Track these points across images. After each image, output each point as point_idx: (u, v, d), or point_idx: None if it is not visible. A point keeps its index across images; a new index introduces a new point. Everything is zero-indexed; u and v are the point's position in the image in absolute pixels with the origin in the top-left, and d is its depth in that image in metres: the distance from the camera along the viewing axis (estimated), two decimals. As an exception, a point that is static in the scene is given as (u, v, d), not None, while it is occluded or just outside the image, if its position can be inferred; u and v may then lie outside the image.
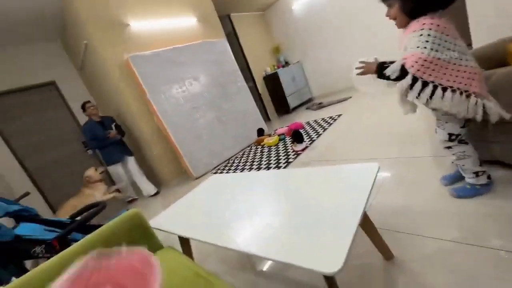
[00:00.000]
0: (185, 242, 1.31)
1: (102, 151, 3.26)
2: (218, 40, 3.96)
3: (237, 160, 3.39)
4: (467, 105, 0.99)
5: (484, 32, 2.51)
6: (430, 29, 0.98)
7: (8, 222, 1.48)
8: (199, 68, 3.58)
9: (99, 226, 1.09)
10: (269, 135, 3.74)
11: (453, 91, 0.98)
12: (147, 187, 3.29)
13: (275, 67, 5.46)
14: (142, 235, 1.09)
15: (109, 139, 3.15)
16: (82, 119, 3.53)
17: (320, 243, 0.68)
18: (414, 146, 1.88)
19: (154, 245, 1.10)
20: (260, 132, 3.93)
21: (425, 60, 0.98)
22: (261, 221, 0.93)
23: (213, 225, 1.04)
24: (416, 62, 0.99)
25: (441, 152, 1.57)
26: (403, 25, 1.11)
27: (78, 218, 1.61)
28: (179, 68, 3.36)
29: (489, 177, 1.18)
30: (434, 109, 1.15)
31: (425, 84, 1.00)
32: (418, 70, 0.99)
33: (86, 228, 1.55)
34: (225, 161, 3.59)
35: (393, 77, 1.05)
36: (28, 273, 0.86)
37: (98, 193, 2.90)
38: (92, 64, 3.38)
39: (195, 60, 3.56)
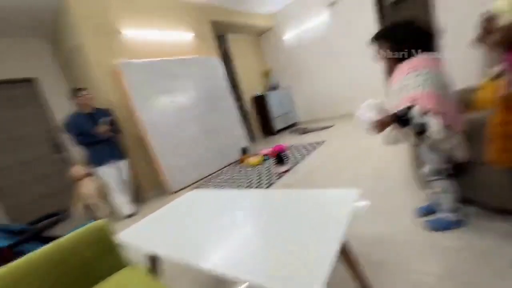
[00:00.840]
0: (154, 260, 1.21)
1: (89, 151, 2.69)
2: (211, 57, 4.05)
3: (218, 177, 3.32)
4: (457, 140, 1.04)
5: (454, 78, 2.77)
6: (425, 68, 1.04)
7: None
8: (189, 82, 3.60)
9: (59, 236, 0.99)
10: (253, 155, 3.74)
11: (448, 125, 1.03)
12: (123, 206, 2.75)
13: (264, 90, 5.62)
14: (106, 250, 1.00)
15: (98, 136, 2.60)
16: (63, 118, 3.30)
17: (297, 268, 0.66)
18: (391, 178, 1.95)
19: (118, 262, 1.01)
20: (244, 151, 3.92)
21: (432, 96, 1.01)
22: (237, 241, 0.89)
23: (185, 243, 0.98)
24: (428, 100, 1.00)
25: (416, 185, 1.63)
26: (391, 65, 1.18)
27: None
28: (169, 80, 3.36)
29: (461, 215, 1.24)
30: (419, 145, 1.21)
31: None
32: (434, 107, 0.99)
33: (45, 237, 1.41)
34: (205, 177, 3.51)
35: (419, 122, 1.01)
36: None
37: (85, 190, 2.62)
38: (79, 65, 3.29)
39: (187, 74, 3.58)
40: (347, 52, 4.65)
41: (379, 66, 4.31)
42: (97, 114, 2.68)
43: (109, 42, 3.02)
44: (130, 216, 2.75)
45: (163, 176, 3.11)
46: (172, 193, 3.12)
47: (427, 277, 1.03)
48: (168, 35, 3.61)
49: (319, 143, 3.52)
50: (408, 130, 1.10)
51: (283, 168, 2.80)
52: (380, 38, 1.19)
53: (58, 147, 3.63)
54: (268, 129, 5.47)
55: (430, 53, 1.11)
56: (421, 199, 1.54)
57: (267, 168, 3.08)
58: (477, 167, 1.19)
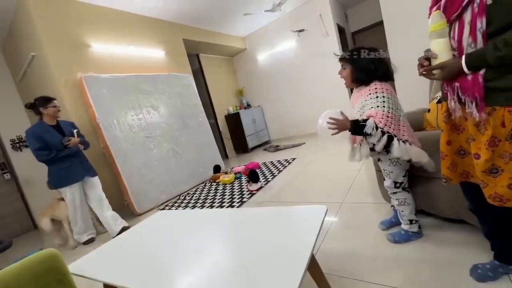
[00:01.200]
0: (111, 291, 1.09)
1: (54, 167, 2.30)
2: (183, 74, 4.04)
3: (189, 196, 3.19)
4: (413, 152, 1.16)
5: (408, 102, 3.08)
6: (383, 92, 1.18)
7: None
8: (160, 98, 3.52)
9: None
10: (226, 173, 3.69)
11: (404, 141, 1.15)
12: (112, 222, 2.41)
13: (238, 108, 5.70)
14: (56, 282, 0.88)
15: (67, 149, 2.28)
16: (8, 132, 2.98)
17: (267, 285, 0.65)
18: (358, 193, 2.05)
19: (70, 296, 0.89)
20: (217, 168, 3.85)
21: (388, 116, 1.14)
22: (205, 263, 0.85)
23: (148, 270, 0.91)
24: (382, 118, 1.13)
25: (381, 199, 1.73)
26: (349, 85, 1.31)
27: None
28: (139, 96, 3.25)
29: (419, 226, 1.33)
30: (380, 160, 1.31)
31: (390, 137, 1.13)
32: (385, 125, 1.13)
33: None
34: (175, 196, 3.34)
35: (369, 132, 1.12)
36: None
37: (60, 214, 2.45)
38: (36, 78, 3.06)
39: (158, 90, 3.51)
40: (313, 75, 4.98)
41: (344, 89, 4.67)
42: (64, 126, 2.39)
43: (74, 55, 2.88)
44: (123, 230, 2.33)
45: (128, 197, 2.90)
46: (138, 215, 2.91)
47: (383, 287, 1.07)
48: (139, 51, 3.55)
49: (290, 161, 3.60)
50: (365, 147, 1.22)
51: (255, 186, 2.79)
52: (346, 60, 1.30)
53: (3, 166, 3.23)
54: (241, 146, 5.49)
55: (388, 80, 1.26)
56: (386, 212, 1.64)
57: (239, 186, 3.05)
58: (433, 180, 1.31)
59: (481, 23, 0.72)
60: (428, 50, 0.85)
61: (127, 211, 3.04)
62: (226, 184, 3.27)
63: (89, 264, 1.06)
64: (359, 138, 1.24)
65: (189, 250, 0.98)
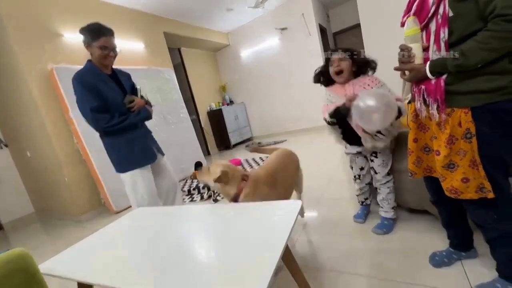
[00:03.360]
0: (86, 290, 1.07)
1: (121, 139, 1.56)
2: (164, 69, 3.93)
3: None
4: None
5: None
6: (382, 82, 1.30)
7: None
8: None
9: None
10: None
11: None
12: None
13: (220, 104, 5.66)
14: (25, 282, 0.85)
15: (132, 114, 1.57)
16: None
17: (242, 277, 0.67)
18: (336, 188, 2.14)
19: (40, 296, 0.87)
20: (198, 165, 3.81)
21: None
22: (183, 259, 0.86)
23: (126, 267, 0.90)
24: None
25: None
26: (347, 78, 1.35)
27: None
28: (115, 90, 3.12)
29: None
30: (375, 156, 1.39)
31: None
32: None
33: None
34: (155, 193, 3.27)
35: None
36: None
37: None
38: (0, 67, 2.84)
39: (138, 84, 3.38)
40: (295, 73, 5.06)
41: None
42: (122, 78, 1.66)
43: (44, 44, 2.70)
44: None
45: (104, 194, 2.80)
46: (115, 213, 2.82)
47: (359, 277, 1.14)
48: (117, 43, 3.39)
49: (272, 157, 3.65)
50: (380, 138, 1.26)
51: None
52: (347, 53, 1.34)
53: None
54: (224, 143, 5.47)
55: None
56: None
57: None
58: (400, 175, 1.41)
59: (444, 33, 0.78)
60: (405, 46, 0.89)
61: (104, 208, 2.94)
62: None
63: (61, 263, 1.03)
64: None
65: (166, 245, 0.98)
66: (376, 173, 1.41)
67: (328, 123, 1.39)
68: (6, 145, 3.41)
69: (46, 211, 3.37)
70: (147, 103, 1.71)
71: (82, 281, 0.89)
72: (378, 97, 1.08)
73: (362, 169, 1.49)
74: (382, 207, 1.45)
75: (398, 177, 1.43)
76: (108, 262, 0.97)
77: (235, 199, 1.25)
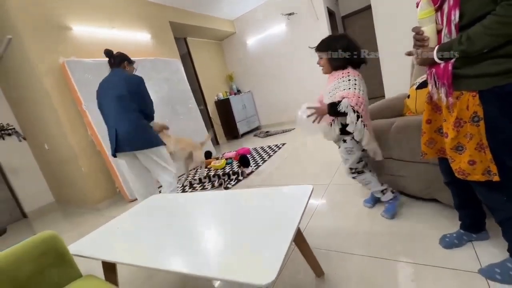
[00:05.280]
0: (110, 269, 1.15)
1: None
2: (171, 59, 3.94)
3: (180, 182, 3.23)
4: (366, 137, 1.29)
5: (392, 87, 3.18)
6: (354, 76, 1.30)
7: None
8: (148, 84, 3.44)
9: None
10: (217, 158, 3.73)
11: (364, 125, 1.27)
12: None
13: (228, 94, 5.65)
14: (57, 261, 0.92)
15: None
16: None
17: (256, 258, 0.71)
18: (343, 174, 2.15)
19: (71, 273, 0.94)
20: (208, 154, 3.88)
21: (358, 97, 1.26)
22: (199, 240, 0.91)
23: (145, 248, 0.96)
24: (353, 98, 1.25)
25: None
26: (328, 72, 1.41)
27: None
28: (125, 81, 3.17)
29: (392, 191, 1.45)
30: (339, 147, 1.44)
31: (358, 117, 1.25)
32: (356, 104, 1.25)
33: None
34: (167, 182, 3.37)
35: (343, 110, 1.24)
36: None
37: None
38: (14, 62, 2.91)
39: (145, 76, 3.38)
40: (303, 60, 4.96)
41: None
42: None
43: (54, 38, 2.74)
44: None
45: (119, 183, 2.91)
46: (130, 202, 2.94)
47: (368, 259, 1.18)
48: (124, 34, 3.42)
49: (280, 146, 3.68)
50: (337, 126, 1.36)
51: (246, 170, 2.86)
52: (321, 49, 1.39)
53: None
54: (232, 132, 5.50)
55: (360, 65, 1.38)
56: (369, 191, 1.74)
57: (230, 171, 3.11)
58: (409, 165, 1.40)
59: (454, 16, 0.76)
60: (417, 28, 0.87)
61: (119, 197, 3.06)
62: (217, 169, 3.33)
63: (87, 245, 1.10)
64: (330, 118, 1.35)
65: (182, 229, 1.03)
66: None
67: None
68: (24, 138, 3.55)
69: (65, 200, 3.54)
70: None
71: (107, 260, 0.96)
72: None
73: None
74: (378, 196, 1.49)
75: (406, 168, 1.43)
76: (129, 244, 1.04)
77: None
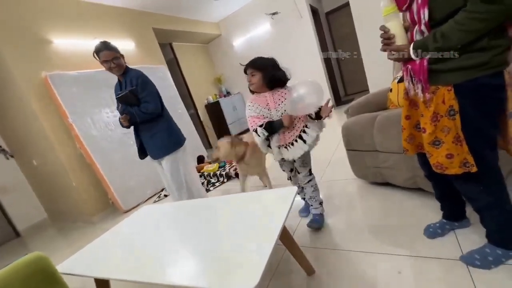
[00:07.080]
0: (103, 286, 1.15)
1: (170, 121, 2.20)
2: (157, 66, 3.92)
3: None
4: None
5: (375, 81, 3.23)
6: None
7: None
8: (135, 93, 3.42)
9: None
10: (209, 163, 3.73)
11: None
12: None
13: (217, 96, 5.64)
14: (45, 282, 0.92)
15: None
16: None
17: (241, 265, 0.73)
18: (333, 171, 2.19)
19: (61, 293, 0.94)
20: (200, 159, 3.88)
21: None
22: (187, 251, 0.92)
23: (135, 262, 0.97)
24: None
25: (352, 175, 1.86)
26: (259, 90, 1.46)
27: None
28: (111, 92, 3.14)
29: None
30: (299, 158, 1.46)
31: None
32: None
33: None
34: (162, 189, 3.36)
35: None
36: None
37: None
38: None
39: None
40: (289, 59, 4.98)
41: (320, 71, 4.74)
42: (127, 79, 2.11)
43: (35, 52, 2.70)
44: None
45: (112, 195, 2.89)
46: (124, 212, 2.92)
47: (356, 253, 1.21)
48: (106, 44, 3.37)
49: (272, 145, 3.69)
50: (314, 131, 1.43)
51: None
52: (255, 68, 1.43)
53: None
54: (224, 135, 5.48)
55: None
56: (358, 186, 1.77)
57: (224, 174, 3.12)
58: (395, 156, 1.44)
59: (423, 14, 0.78)
60: (383, 27, 0.90)
61: (113, 209, 3.04)
62: (211, 173, 3.33)
63: (78, 262, 1.10)
64: (288, 137, 1.41)
65: (171, 240, 1.04)
66: (298, 173, 1.52)
67: (260, 135, 1.41)
68: (12, 156, 3.49)
69: (59, 216, 3.49)
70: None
71: (99, 277, 0.96)
72: (306, 85, 1.33)
73: (291, 170, 1.60)
74: (311, 205, 1.51)
75: (392, 158, 1.46)
76: (121, 258, 1.04)
77: (242, 157, 1.92)
